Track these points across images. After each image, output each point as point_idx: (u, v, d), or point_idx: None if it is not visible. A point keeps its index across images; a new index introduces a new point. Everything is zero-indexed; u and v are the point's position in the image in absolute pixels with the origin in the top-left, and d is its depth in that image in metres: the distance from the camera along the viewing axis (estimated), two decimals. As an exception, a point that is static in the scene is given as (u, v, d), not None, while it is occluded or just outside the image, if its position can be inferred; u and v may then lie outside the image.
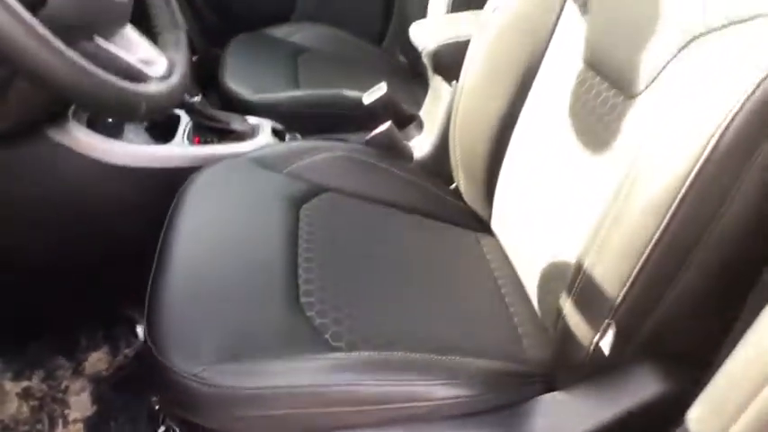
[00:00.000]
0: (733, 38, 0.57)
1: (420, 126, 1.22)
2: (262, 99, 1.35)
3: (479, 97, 0.93)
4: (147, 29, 0.90)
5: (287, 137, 1.21)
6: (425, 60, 1.06)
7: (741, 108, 0.51)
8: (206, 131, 1.12)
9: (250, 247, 0.81)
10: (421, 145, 1.16)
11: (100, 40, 0.75)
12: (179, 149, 1.04)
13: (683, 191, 0.54)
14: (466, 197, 1.02)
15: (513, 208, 0.90)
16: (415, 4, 1.51)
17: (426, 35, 1.05)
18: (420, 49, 1.05)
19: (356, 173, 0.98)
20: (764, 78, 0.50)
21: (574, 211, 0.74)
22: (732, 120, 0.51)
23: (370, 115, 1.13)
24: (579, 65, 0.79)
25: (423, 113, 1.23)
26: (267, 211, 0.87)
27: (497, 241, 0.95)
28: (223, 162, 0.95)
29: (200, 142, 1.09)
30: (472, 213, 1.01)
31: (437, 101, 1.16)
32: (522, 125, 0.89)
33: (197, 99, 1.09)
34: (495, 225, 0.96)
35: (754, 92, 0.51)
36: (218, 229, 0.83)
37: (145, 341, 0.68)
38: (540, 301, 0.80)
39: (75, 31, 0.70)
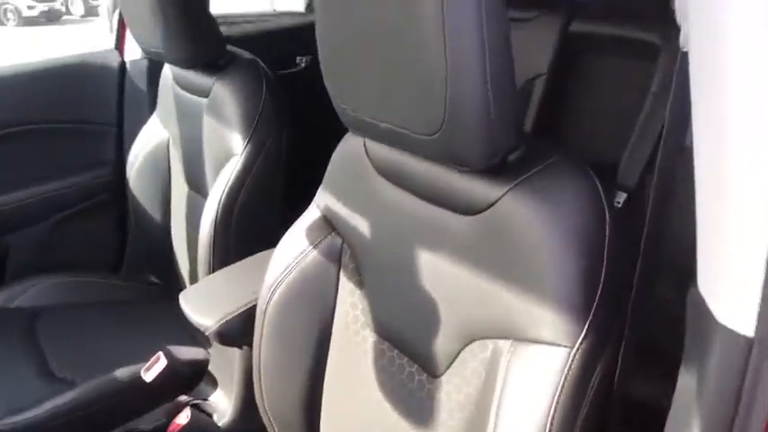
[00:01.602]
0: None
1: (214, 383, 1.18)
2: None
3: (281, 368, 0.95)
4: None
5: None
6: (210, 337, 1.04)
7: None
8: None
9: None
10: (220, 407, 1.12)
11: None
12: None
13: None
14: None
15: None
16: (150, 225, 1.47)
17: (204, 314, 1.03)
18: (202, 329, 1.03)
19: None
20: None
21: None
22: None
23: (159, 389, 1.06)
24: (372, 336, 0.87)
25: (213, 368, 1.19)
26: None
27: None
28: None
29: None
30: None
31: (229, 360, 1.14)
32: (330, 386, 0.93)
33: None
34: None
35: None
36: None
37: None
38: None
39: None
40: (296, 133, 1.27)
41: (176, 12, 1.13)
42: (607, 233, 0.64)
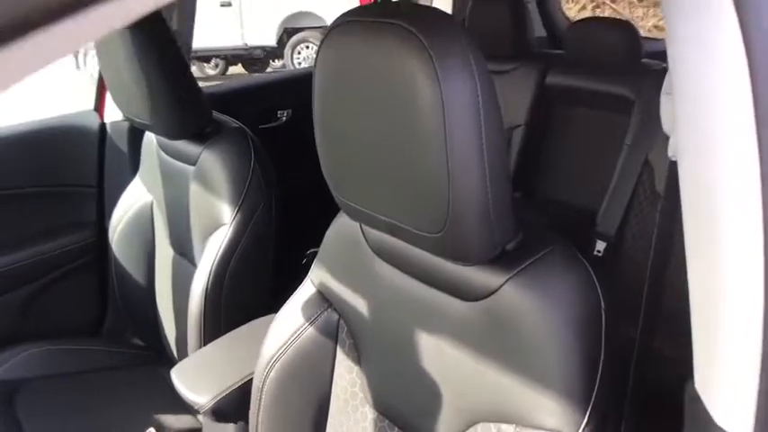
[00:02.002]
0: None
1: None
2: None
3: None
4: None
5: None
6: (203, 414, 1.03)
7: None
8: None
9: None
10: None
11: None
12: None
13: None
14: None
15: None
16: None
17: (198, 391, 1.02)
18: (195, 407, 1.01)
19: None
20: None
21: None
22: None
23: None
24: (371, 413, 0.87)
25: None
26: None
27: None
28: None
29: None
30: None
31: (223, 427, 1.12)
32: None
33: None
34: None
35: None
36: None
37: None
38: None
39: None
40: (279, 187, 1.28)
41: (162, 83, 1.14)
42: (603, 320, 0.66)
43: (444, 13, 0.59)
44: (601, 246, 1.62)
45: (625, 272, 1.60)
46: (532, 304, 0.65)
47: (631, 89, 1.69)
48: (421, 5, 0.66)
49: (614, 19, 1.85)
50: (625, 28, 1.74)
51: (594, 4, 7.59)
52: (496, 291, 0.67)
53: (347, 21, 0.62)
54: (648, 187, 1.58)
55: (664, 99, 0.61)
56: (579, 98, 1.84)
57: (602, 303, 0.66)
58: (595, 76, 1.78)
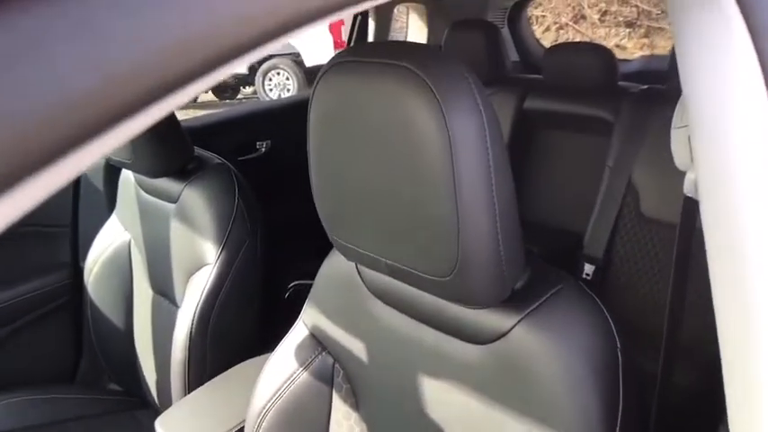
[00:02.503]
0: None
1: None
2: None
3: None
4: None
5: None
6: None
7: None
8: None
9: None
10: None
11: None
12: None
13: None
14: None
15: None
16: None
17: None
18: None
19: None
20: None
21: None
22: None
23: None
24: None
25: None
26: None
27: None
28: None
29: None
30: None
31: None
32: None
33: None
34: None
35: None
36: None
37: None
38: None
39: None
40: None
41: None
42: (620, 360, 0.64)
43: (446, 53, 0.57)
44: (589, 269, 1.61)
45: (613, 294, 1.59)
46: (547, 349, 0.62)
47: (610, 111, 1.70)
48: (421, 45, 0.64)
49: (591, 43, 1.87)
50: (601, 52, 1.76)
51: (558, 25, 7.78)
52: (507, 333, 0.65)
53: (345, 60, 0.60)
54: (634, 209, 1.58)
55: (674, 133, 0.59)
56: (559, 121, 1.85)
57: (618, 343, 0.64)
58: (574, 99, 1.79)
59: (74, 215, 1.60)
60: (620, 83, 1.77)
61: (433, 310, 0.71)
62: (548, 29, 7.80)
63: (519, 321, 0.64)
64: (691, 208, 0.51)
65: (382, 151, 0.58)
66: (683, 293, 0.68)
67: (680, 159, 0.62)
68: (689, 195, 0.59)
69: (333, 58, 0.62)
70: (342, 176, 0.65)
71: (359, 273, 0.82)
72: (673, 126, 0.60)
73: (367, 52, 0.58)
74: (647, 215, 1.56)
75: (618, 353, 0.64)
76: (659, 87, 1.63)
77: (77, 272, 1.55)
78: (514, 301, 0.65)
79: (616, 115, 1.67)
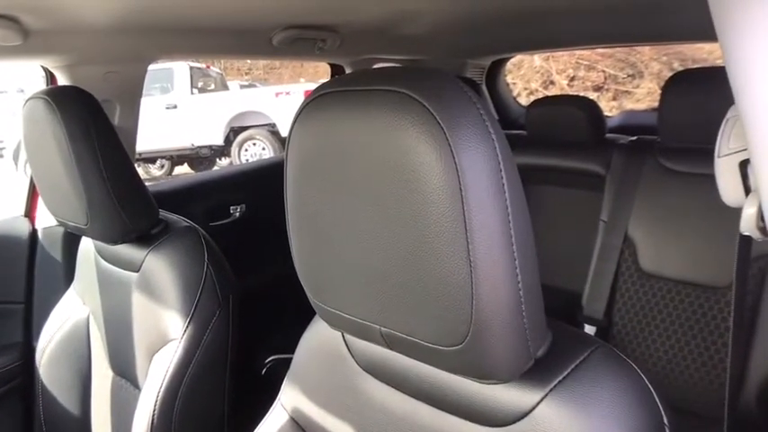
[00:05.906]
0: None
1: None
2: None
3: None
4: None
5: None
6: None
7: None
8: None
9: None
10: None
11: None
12: None
13: None
14: None
15: None
16: None
17: None
18: None
19: None
20: None
21: None
22: None
23: None
24: None
25: None
26: None
27: None
28: None
29: None
30: None
31: None
32: None
33: None
34: None
35: None
36: None
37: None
38: None
39: None
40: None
41: (100, 182, 0.99)
42: None
43: (447, 73, 0.48)
44: (590, 330, 1.51)
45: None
46: (581, 429, 0.50)
47: (600, 164, 1.64)
48: (419, 67, 0.55)
49: (575, 96, 1.85)
50: (587, 103, 1.72)
51: (528, 91, 7.99)
52: (530, 412, 0.53)
53: (328, 92, 0.51)
54: (632, 264, 1.49)
55: (720, 162, 0.51)
56: (548, 177, 1.79)
57: (665, 417, 0.53)
58: (562, 153, 1.74)
59: (27, 290, 1.46)
60: (608, 135, 1.73)
61: (438, 388, 0.60)
62: (518, 95, 8.01)
63: (545, 397, 0.53)
64: (745, 252, 0.42)
65: (374, 197, 0.48)
66: (745, 352, 0.58)
67: (730, 193, 0.53)
68: (745, 234, 0.49)
69: (314, 90, 0.52)
70: (324, 230, 0.54)
71: (346, 344, 0.71)
72: (717, 154, 0.51)
73: (354, 80, 0.49)
74: (647, 270, 1.47)
75: (666, 430, 0.53)
76: (650, 138, 1.59)
77: (30, 352, 1.39)
78: (537, 372, 0.54)
79: (607, 168, 1.62)
